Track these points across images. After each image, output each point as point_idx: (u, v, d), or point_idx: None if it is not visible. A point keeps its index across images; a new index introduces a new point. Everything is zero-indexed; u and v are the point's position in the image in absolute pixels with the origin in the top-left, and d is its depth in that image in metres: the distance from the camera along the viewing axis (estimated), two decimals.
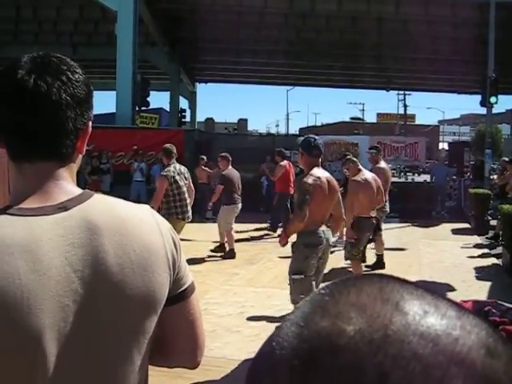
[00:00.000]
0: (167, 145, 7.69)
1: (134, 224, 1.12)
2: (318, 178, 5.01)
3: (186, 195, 7.42)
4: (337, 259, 7.93)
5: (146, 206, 1.23)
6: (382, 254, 8.77)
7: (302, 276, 5.01)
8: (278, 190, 11.99)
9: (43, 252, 1.01)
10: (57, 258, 1.02)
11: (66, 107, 1.08)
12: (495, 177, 14.70)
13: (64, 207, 1.07)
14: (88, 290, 1.04)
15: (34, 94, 1.06)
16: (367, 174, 7.33)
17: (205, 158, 14.02)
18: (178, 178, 7.35)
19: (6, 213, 1.05)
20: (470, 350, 0.36)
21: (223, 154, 10.01)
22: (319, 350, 0.37)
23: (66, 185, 1.12)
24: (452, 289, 6.91)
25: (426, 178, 23.52)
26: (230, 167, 9.79)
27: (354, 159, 7.68)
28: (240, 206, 9.72)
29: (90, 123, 1.16)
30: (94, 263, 1.05)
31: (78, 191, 1.12)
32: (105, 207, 1.12)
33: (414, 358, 0.36)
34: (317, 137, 5.34)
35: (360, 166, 7.40)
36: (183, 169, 7.56)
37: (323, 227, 5.12)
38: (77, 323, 1.02)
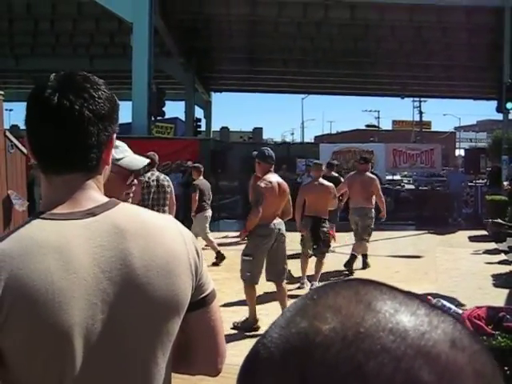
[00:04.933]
0: (150, 153, 7.73)
1: (157, 230, 1.18)
2: (270, 182, 6.02)
3: (158, 203, 7.43)
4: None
5: (170, 216, 1.30)
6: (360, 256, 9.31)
7: (251, 258, 6.06)
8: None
9: (73, 253, 1.07)
10: (86, 259, 1.08)
11: (88, 123, 1.14)
12: (505, 183, 14.58)
13: (92, 213, 1.14)
14: (115, 291, 1.09)
15: (58, 112, 1.13)
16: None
17: None
18: (151, 184, 7.46)
19: (39, 217, 1.12)
20: (435, 343, 0.39)
21: (196, 164, 10.45)
22: (298, 348, 0.40)
23: (93, 193, 1.19)
24: (469, 296, 6.85)
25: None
26: (201, 177, 10.04)
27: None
28: (210, 212, 10.02)
29: (115, 136, 1.22)
30: (120, 265, 1.11)
31: (105, 199, 1.19)
32: (130, 214, 1.18)
33: (384, 351, 0.38)
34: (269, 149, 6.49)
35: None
36: (163, 178, 7.63)
37: (275, 220, 6.05)
38: (104, 321, 1.08)
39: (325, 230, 8.09)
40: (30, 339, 1.02)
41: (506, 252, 11.05)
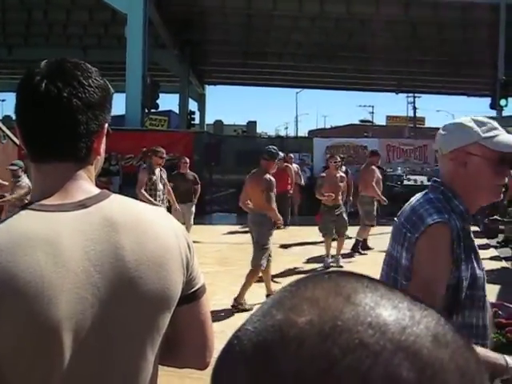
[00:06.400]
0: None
1: (149, 223, 1.16)
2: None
3: None
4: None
5: (161, 209, 1.28)
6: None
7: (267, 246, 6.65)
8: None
9: (63, 246, 1.05)
10: (76, 252, 1.06)
11: (76, 111, 1.12)
12: None
13: (83, 205, 1.12)
14: (106, 284, 1.08)
15: (45, 99, 1.11)
16: None
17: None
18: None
19: (28, 208, 1.09)
20: (416, 338, 0.38)
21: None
22: (271, 342, 0.38)
23: (84, 184, 1.16)
24: None
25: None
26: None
27: None
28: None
29: (106, 125, 1.20)
30: (112, 258, 1.09)
31: (96, 190, 1.17)
32: (122, 206, 1.16)
33: (361, 346, 0.37)
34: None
35: None
36: None
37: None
38: (94, 316, 1.06)
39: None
40: (18, 333, 1.00)
41: (497, 248, 11.11)
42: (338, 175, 9.11)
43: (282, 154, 10.04)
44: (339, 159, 9.59)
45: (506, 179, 1.87)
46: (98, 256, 1.07)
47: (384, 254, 2.01)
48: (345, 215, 9.23)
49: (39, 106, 1.12)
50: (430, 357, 0.37)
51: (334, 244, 9.42)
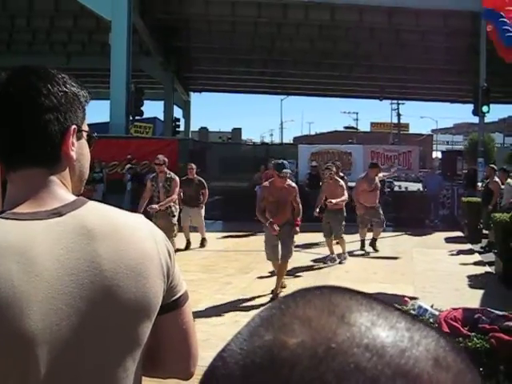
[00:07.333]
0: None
1: (128, 230, 1.13)
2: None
3: None
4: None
5: (140, 215, 1.24)
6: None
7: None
8: None
9: (36, 255, 1.02)
10: (50, 261, 1.03)
11: (30, 116, 1.11)
12: (480, 184, 14.88)
13: (58, 213, 1.08)
14: (82, 294, 1.04)
15: (3, 107, 1.12)
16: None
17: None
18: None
19: (0, 217, 1.06)
20: (416, 362, 0.35)
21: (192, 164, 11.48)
22: (260, 364, 0.36)
23: (59, 191, 1.13)
24: (445, 297, 6.93)
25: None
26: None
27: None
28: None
29: (73, 127, 1.16)
30: (88, 267, 1.05)
31: (72, 198, 1.14)
32: (99, 214, 1.13)
33: (358, 371, 0.34)
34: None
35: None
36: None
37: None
38: (70, 327, 1.03)
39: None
40: None
41: (480, 253, 11.21)
42: (337, 186, 9.65)
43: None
44: (334, 170, 9.95)
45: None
46: (74, 265, 1.04)
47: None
48: (341, 221, 9.82)
49: None
50: (430, 382, 0.35)
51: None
